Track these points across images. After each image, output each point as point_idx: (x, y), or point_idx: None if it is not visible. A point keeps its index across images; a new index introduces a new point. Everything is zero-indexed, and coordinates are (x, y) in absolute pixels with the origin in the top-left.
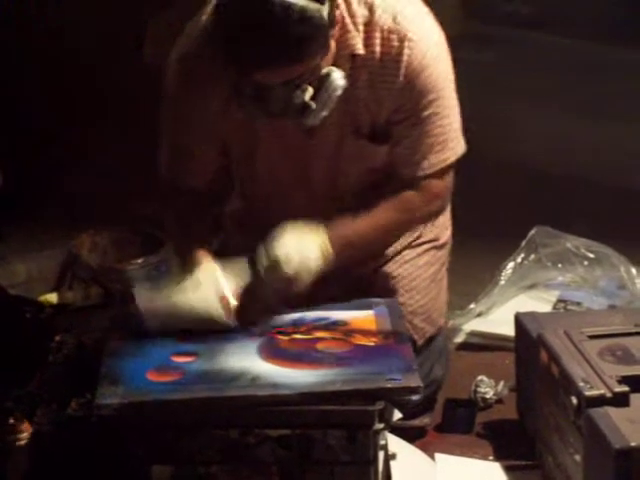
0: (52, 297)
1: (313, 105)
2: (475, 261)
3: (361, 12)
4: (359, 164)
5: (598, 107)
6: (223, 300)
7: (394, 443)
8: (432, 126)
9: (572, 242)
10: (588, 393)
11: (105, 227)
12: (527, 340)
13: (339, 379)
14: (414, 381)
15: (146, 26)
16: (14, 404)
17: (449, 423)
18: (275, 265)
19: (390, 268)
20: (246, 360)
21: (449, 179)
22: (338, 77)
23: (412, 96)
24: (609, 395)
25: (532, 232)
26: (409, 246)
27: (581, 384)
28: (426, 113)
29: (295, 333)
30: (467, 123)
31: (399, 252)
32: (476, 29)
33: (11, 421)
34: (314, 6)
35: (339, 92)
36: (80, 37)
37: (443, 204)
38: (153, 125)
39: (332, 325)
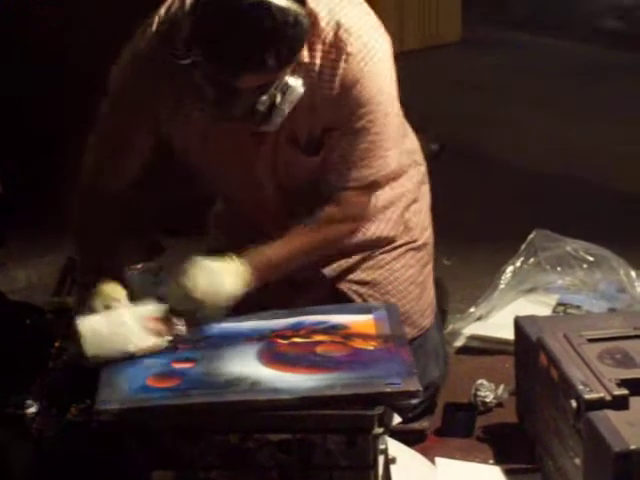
0: (52, 303)
1: (277, 111)
2: (475, 265)
3: (327, 28)
4: (296, 171)
5: (598, 110)
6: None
7: (394, 447)
8: (361, 139)
9: (571, 245)
10: (588, 396)
11: None
12: (527, 344)
13: (338, 383)
14: (413, 385)
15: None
16: (14, 410)
17: (449, 427)
18: (183, 294)
19: (364, 274)
20: (246, 365)
21: (370, 196)
22: (299, 85)
23: (346, 107)
24: (608, 398)
25: (531, 236)
26: (383, 251)
27: (580, 387)
28: (357, 125)
29: (294, 337)
30: (429, 144)
31: (372, 257)
32: (476, 34)
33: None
34: (302, 11)
35: (297, 99)
36: (81, 38)
37: (361, 219)
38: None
39: (331, 329)
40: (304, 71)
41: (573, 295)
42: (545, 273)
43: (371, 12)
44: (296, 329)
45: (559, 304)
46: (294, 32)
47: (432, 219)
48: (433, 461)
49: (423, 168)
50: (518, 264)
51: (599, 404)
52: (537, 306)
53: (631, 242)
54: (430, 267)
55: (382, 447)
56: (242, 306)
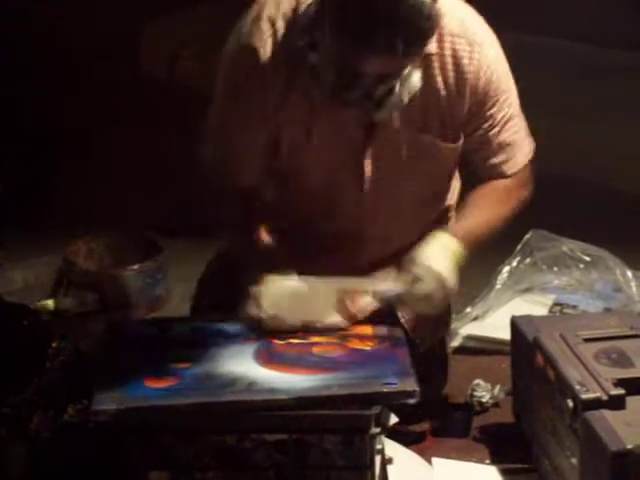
0: (49, 304)
1: (393, 99)
2: (471, 265)
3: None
4: (421, 165)
5: (597, 110)
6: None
7: (391, 447)
8: (510, 125)
9: (568, 245)
10: (584, 396)
11: (101, 233)
12: (523, 343)
13: (335, 383)
14: (410, 385)
15: (142, 35)
16: (11, 410)
17: (446, 427)
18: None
19: None
20: (243, 365)
21: (530, 170)
22: (417, 77)
23: (485, 100)
24: (605, 398)
25: (528, 236)
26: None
27: (577, 387)
28: (502, 115)
29: (291, 337)
30: None
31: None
32: None
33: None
34: (434, 4)
35: (414, 92)
36: (83, 39)
37: (530, 189)
38: (153, 129)
39: (328, 330)
40: (433, 64)
41: (569, 295)
42: (541, 273)
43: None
44: (292, 332)
45: (555, 304)
46: (427, 23)
47: None
48: (430, 461)
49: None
50: (514, 264)
51: (596, 404)
52: (533, 306)
53: (628, 242)
54: None
55: (379, 447)
56: None
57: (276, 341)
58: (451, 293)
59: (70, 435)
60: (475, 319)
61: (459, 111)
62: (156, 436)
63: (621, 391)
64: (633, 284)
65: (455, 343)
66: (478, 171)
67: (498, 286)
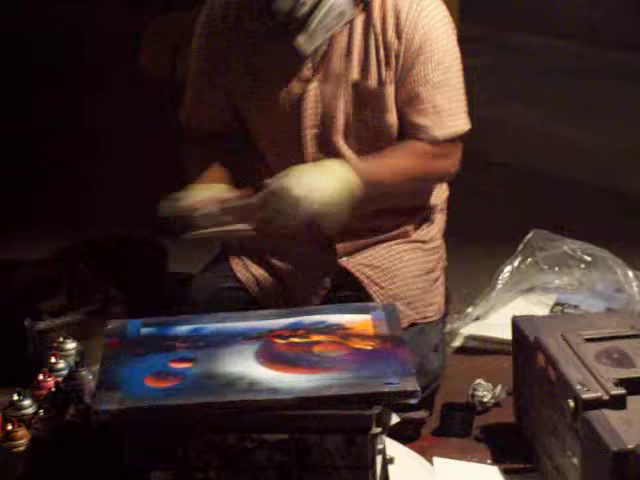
0: (50, 304)
1: (314, 21)
2: (472, 265)
3: None
4: (366, 115)
5: (597, 109)
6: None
7: (392, 447)
8: (444, 91)
9: (569, 245)
10: (585, 396)
11: (103, 233)
12: (524, 343)
13: (336, 383)
14: (411, 385)
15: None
16: (13, 410)
17: (447, 427)
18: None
19: (375, 260)
20: (244, 365)
21: (459, 148)
22: (344, 3)
23: (419, 53)
24: (606, 398)
25: (529, 235)
26: (398, 242)
27: (578, 387)
28: (435, 76)
29: (292, 337)
30: None
31: (386, 246)
32: (475, 34)
33: (9, 427)
34: None
35: (338, 18)
36: (83, 41)
37: (454, 166)
38: (151, 130)
39: (329, 329)
40: (372, 9)
41: (571, 295)
42: (543, 273)
43: None
44: (294, 329)
45: (557, 304)
46: None
47: None
48: (431, 461)
49: (445, 195)
50: (516, 264)
51: (597, 404)
52: (535, 306)
53: (629, 242)
54: (440, 272)
55: (380, 447)
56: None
57: (277, 340)
58: (312, 212)
59: (72, 435)
60: (476, 319)
61: (396, 59)
62: (157, 436)
63: (622, 391)
64: (634, 284)
65: (456, 343)
66: (405, 129)
67: (499, 286)
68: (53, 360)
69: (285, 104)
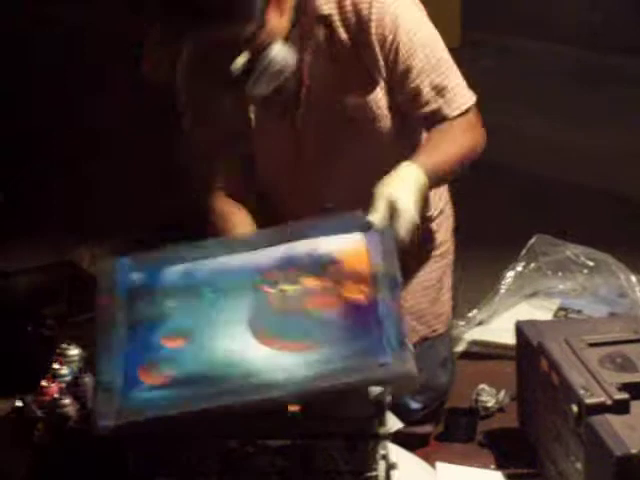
0: (54, 309)
1: (258, 69)
2: (476, 270)
3: None
4: (355, 125)
5: (599, 114)
6: None
7: (395, 452)
8: (439, 70)
9: (572, 250)
10: (588, 401)
11: (105, 238)
12: (527, 348)
13: (329, 369)
14: (405, 362)
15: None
16: (16, 416)
17: (450, 432)
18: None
19: None
20: (238, 342)
21: (479, 118)
22: (277, 51)
23: (398, 49)
24: (609, 402)
25: (532, 240)
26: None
27: (581, 392)
28: (423, 62)
29: (283, 282)
30: None
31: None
32: (476, 38)
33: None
34: None
35: (279, 66)
36: (83, 41)
37: (483, 136)
38: (150, 133)
39: (321, 268)
40: (331, 20)
41: (574, 300)
42: (546, 278)
43: None
44: (284, 268)
45: (560, 309)
46: None
47: None
48: (434, 466)
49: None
50: (519, 269)
51: (600, 408)
52: (538, 311)
53: (632, 247)
54: (448, 278)
55: (383, 452)
56: None
57: (269, 290)
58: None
59: (74, 441)
60: (480, 324)
61: (372, 63)
62: (159, 443)
63: (625, 396)
64: (637, 289)
65: (460, 348)
66: (424, 125)
67: (503, 291)
68: (56, 366)
69: (280, 141)
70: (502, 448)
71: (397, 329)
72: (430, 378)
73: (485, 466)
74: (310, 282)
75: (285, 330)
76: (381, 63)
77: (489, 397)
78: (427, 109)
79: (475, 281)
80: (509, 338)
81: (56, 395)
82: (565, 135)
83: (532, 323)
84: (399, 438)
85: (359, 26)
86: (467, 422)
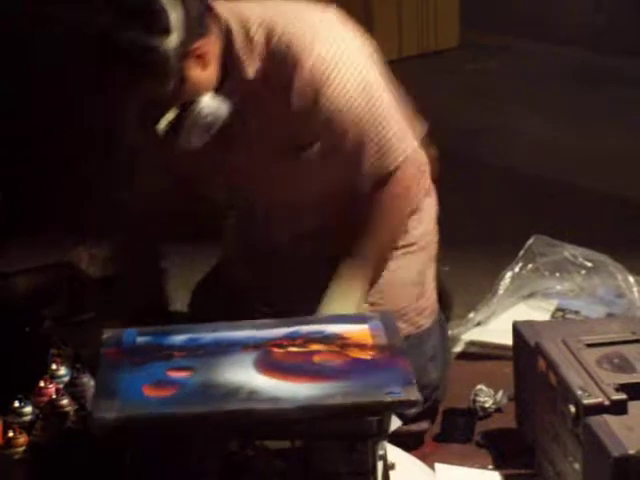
0: (52, 310)
1: (184, 129)
2: (473, 270)
3: (258, 38)
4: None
5: (597, 115)
6: None
7: (393, 453)
8: (360, 140)
9: (570, 251)
10: (586, 401)
11: (103, 238)
12: (525, 349)
13: (338, 392)
14: (413, 395)
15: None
16: (14, 417)
17: (448, 432)
18: None
19: None
20: (243, 374)
21: (402, 175)
22: (204, 104)
23: (319, 117)
24: (607, 403)
25: (530, 241)
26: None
27: (579, 392)
28: (342, 132)
29: (290, 346)
30: (427, 149)
31: None
32: (474, 40)
33: (10, 434)
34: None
35: (209, 119)
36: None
37: (409, 195)
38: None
39: (327, 338)
40: (257, 87)
41: (572, 300)
42: (544, 279)
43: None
44: (292, 338)
45: (558, 309)
46: (145, 56)
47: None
48: (432, 467)
49: (428, 181)
50: (517, 270)
51: (598, 409)
52: (536, 311)
53: (629, 248)
54: (431, 270)
55: (381, 453)
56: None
57: (275, 349)
58: None
59: (72, 442)
60: (478, 325)
61: (302, 128)
62: (157, 443)
63: (623, 396)
64: (635, 289)
65: (457, 349)
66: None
67: (501, 292)
68: (54, 367)
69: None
70: (500, 448)
71: (404, 375)
72: (420, 374)
73: (483, 467)
74: (317, 347)
75: (292, 368)
76: (304, 128)
77: (487, 397)
78: (351, 172)
79: (473, 282)
80: (507, 339)
81: (54, 396)
82: (565, 136)
83: (530, 324)
84: (395, 436)
85: (279, 88)
86: (465, 422)
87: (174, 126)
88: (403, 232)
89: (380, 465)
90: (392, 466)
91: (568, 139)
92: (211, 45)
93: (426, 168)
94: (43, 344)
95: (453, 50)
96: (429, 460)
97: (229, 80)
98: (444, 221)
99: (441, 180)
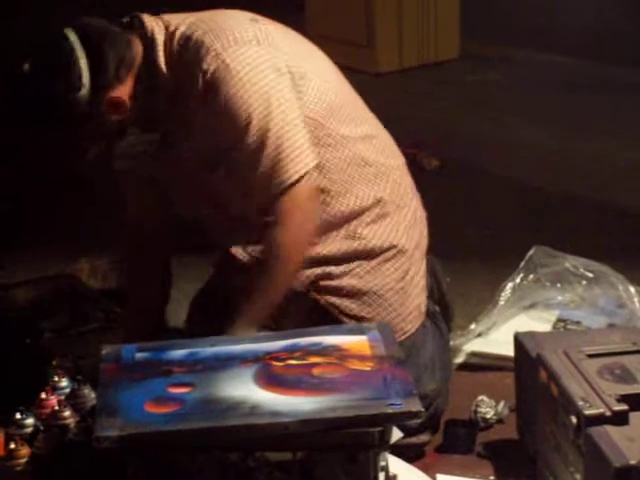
0: (53, 322)
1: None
2: (474, 282)
3: (177, 48)
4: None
5: (598, 125)
6: None
7: (394, 464)
8: (261, 150)
9: (571, 262)
10: (587, 412)
11: (105, 251)
12: (526, 360)
13: (339, 405)
14: (415, 406)
15: None
16: (15, 429)
17: (450, 443)
18: None
19: (343, 282)
20: (243, 388)
21: (301, 198)
22: (129, 138)
23: (217, 120)
24: (608, 414)
25: (531, 252)
26: (362, 261)
27: (580, 403)
28: (240, 141)
29: (289, 359)
30: (428, 160)
31: (351, 270)
32: (475, 50)
33: (12, 446)
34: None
35: (133, 152)
36: None
37: (310, 220)
38: None
39: (326, 350)
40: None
41: (573, 311)
42: (545, 289)
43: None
44: (291, 351)
45: (559, 320)
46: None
47: (430, 235)
48: (434, 478)
49: (403, 186)
50: (518, 280)
51: (599, 420)
52: (537, 322)
53: (630, 258)
54: (412, 273)
55: (382, 464)
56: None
57: (274, 363)
58: None
59: (74, 453)
60: (479, 335)
61: (205, 130)
62: (159, 456)
63: (624, 407)
64: (636, 300)
65: (459, 360)
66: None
67: (502, 302)
68: (56, 378)
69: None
70: (501, 459)
71: (404, 386)
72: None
73: (484, 477)
74: (316, 359)
75: (291, 382)
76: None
77: (488, 408)
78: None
79: (474, 293)
80: (508, 349)
81: (56, 407)
82: (566, 147)
83: (531, 334)
84: (396, 447)
85: (191, 95)
86: (466, 433)
87: (105, 154)
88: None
89: (382, 476)
90: (393, 477)
91: (569, 149)
92: (129, 85)
93: (394, 173)
94: (43, 355)
95: (453, 61)
96: (431, 471)
97: (155, 102)
98: (444, 231)
99: (441, 190)
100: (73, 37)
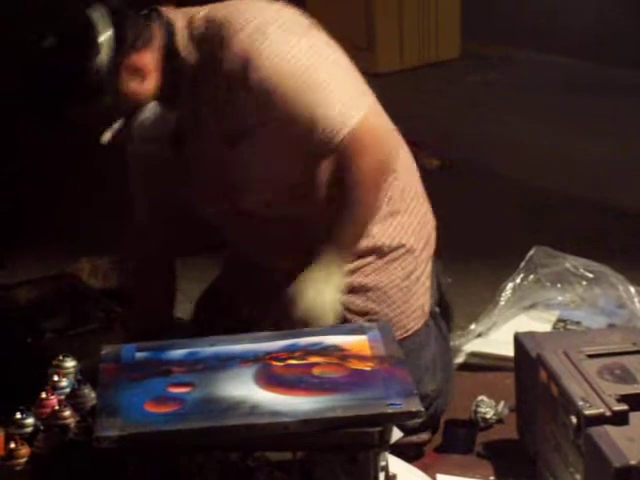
0: (54, 322)
1: (131, 139)
2: (475, 282)
3: (198, 31)
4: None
5: (598, 126)
6: None
7: (394, 464)
8: (305, 108)
9: (571, 262)
10: (587, 412)
11: (106, 251)
12: (526, 360)
13: (339, 405)
14: (415, 406)
15: None
16: (15, 428)
17: (449, 443)
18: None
19: (349, 279)
20: (243, 388)
21: (368, 128)
22: (148, 115)
23: (253, 92)
24: (608, 414)
25: (531, 252)
26: (370, 258)
27: (580, 403)
28: (279, 102)
29: (289, 359)
30: (429, 160)
31: (359, 268)
32: (476, 50)
33: (12, 446)
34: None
35: (155, 126)
36: None
37: (378, 152)
38: None
39: (326, 350)
40: (200, 78)
41: (573, 311)
42: (545, 290)
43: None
44: (291, 351)
45: (559, 320)
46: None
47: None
48: (434, 478)
49: (414, 187)
50: (518, 281)
51: (599, 420)
52: (537, 322)
53: (630, 259)
54: (418, 273)
55: (382, 464)
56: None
57: (275, 363)
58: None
59: (74, 453)
60: (479, 336)
61: (244, 114)
62: (159, 456)
63: (624, 407)
64: (636, 300)
65: (459, 360)
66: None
67: (502, 303)
68: (56, 378)
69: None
70: (501, 459)
71: (404, 386)
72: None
73: (484, 478)
74: (316, 359)
75: (292, 382)
76: (250, 108)
77: (488, 408)
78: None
79: (474, 293)
80: (508, 350)
81: (56, 407)
82: (566, 147)
83: (531, 335)
84: (395, 447)
85: (216, 72)
86: (466, 433)
87: (121, 136)
88: (383, 201)
89: (381, 476)
90: (393, 477)
91: (569, 150)
92: (149, 57)
93: (410, 175)
94: (44, 355)
95: (454, 61)
96: (430, 471)
97: (176, 82)
98: (445, 231)
99: (442, 190)
100: (92, 12)
